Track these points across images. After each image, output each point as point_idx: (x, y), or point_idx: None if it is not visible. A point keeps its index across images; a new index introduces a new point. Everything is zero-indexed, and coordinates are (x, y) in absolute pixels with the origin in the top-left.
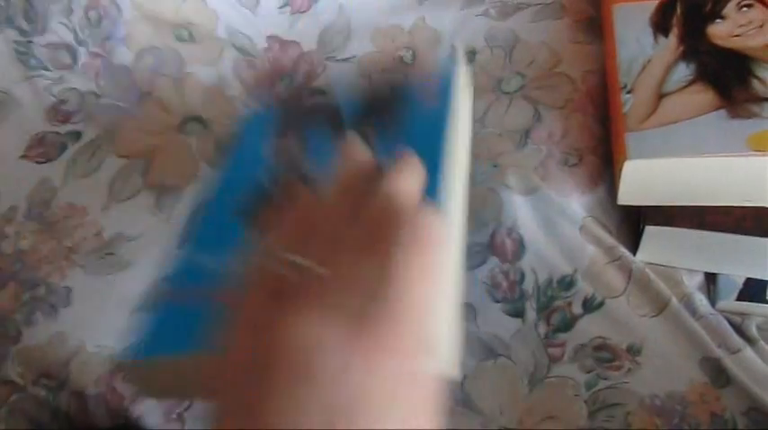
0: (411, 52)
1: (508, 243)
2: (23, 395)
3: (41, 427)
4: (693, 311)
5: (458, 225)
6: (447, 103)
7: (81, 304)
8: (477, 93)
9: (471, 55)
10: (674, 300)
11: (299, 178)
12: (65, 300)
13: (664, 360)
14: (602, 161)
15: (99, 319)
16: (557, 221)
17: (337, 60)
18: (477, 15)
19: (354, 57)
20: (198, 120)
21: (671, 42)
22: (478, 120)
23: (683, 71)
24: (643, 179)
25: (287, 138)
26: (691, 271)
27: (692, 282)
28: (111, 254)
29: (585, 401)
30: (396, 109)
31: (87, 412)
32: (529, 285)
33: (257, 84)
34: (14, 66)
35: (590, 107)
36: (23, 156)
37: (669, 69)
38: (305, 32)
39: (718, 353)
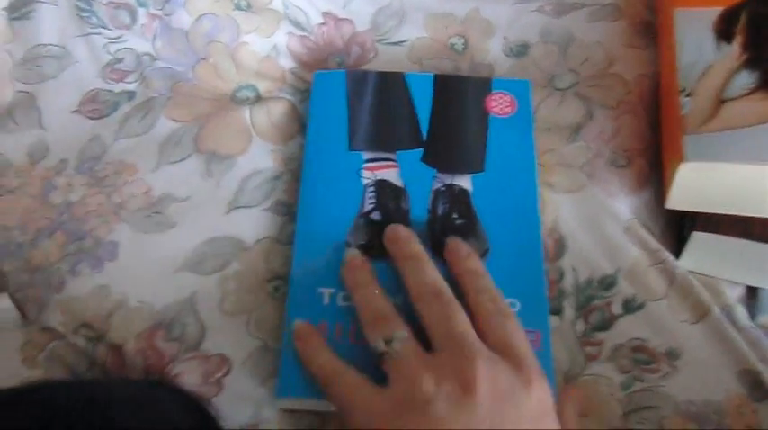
0: (463, 41)
1: (549, 242)
2: (62, 343)
3: (78, 375)
4: (734, 322)
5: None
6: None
7: (126, 259)
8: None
9: (524, 49)
10: (716, 309)
11: (397, 210)
12: (110, 254)
13: (701, 367)
14: (650, 166)
15: (143, 276)
16: (601, 220)
17: (389, 43)
18: (531, 11)
19: (406, 41)
20: (251, 89)
21: (734, 49)
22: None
23: (746, 78)
24: (696, 183)
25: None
26: (732, 283)
27: (733, 294)
28: (159, 213)
29: (620, 401)
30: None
31: (124, 365)
32: (568, 284)
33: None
34: (74, 22)
35: (641, 110)
36: (76, 111)
37: (731, 76)
38: (359, 12)
39: (759, 366)
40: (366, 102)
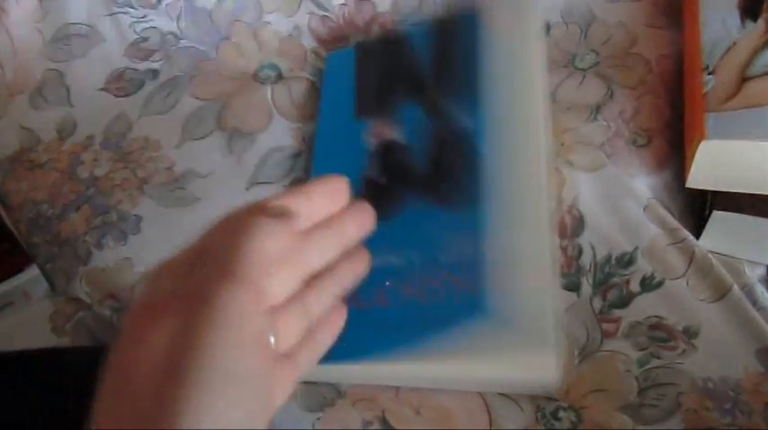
0: None
1: (568, 220)
2: (89, 313)
3: (103, 344)
4: (754, 301)
5: None
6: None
7: (149, 233)
8: (550, 67)
9: (546, 29)
10: (736, 288)
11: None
12: (134, 228)
13: (720, 345)
14: (670, 146)
15: (166, 249)
16: (620, 199)
17: (410, 24)
18: None
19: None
20: (272, 68)
21: (759, 27)
22: (549, 95)
23: None
24: (717, 161)
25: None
26: (752, 263)
27: (754, 274)
28: (182, 188)
29: (636, 378)
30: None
31: None
32: (586, 261)
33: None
34: (101, 1)
35: (662, 90)
36: (103, 89)
37: (756, 53)
38: None
39: None
40: (371, 69)
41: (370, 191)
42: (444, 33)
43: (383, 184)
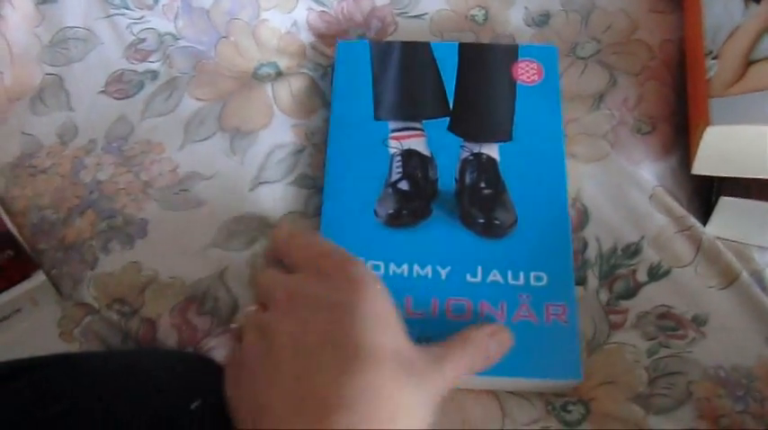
0: (484, 12)
1: (572, 213)
2: (97, 317)
3: (113, 349)
4: (763, 287)
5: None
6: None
7: (156, 236)
8: None
9: (545, 18)
10: (745, 274)
11: (424, 179)
12: (141, 231)
13: (730, 333)
14: (676, 131)
15: (173, 252)
16: (625, 188)
17: (409, 17)
18: None
19: (426, 14)
20: (272, 65)
21: (762, 9)
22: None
23: None
24: (723, 147)
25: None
26: (761, 248)
27: (763, 259)
28: (186, 190)
29: (646, 368)
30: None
31: (155, 339)
32: (592, 253)
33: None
34: (98, 3)
35: (666, 76)
36: (103, 92)
37: (759, 36)
38: None
39: None
40: (391, 71)
41: (398, 197)
42: (474, 58)
43: (411, 192)
